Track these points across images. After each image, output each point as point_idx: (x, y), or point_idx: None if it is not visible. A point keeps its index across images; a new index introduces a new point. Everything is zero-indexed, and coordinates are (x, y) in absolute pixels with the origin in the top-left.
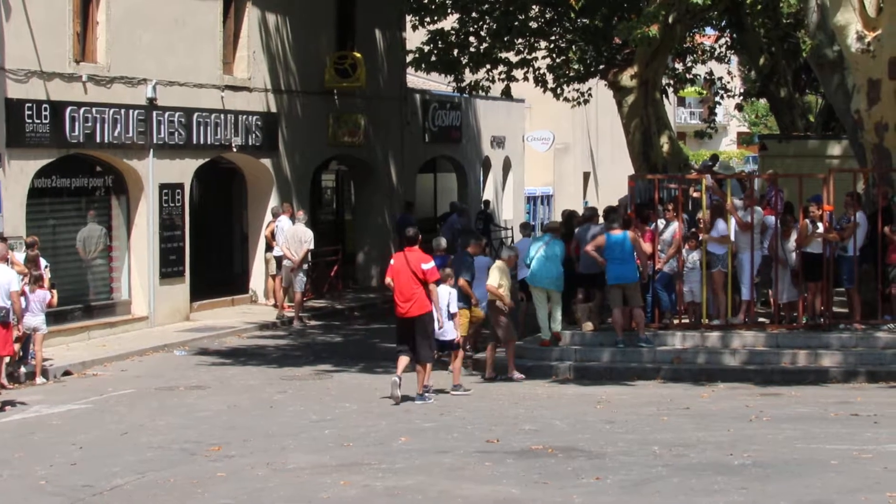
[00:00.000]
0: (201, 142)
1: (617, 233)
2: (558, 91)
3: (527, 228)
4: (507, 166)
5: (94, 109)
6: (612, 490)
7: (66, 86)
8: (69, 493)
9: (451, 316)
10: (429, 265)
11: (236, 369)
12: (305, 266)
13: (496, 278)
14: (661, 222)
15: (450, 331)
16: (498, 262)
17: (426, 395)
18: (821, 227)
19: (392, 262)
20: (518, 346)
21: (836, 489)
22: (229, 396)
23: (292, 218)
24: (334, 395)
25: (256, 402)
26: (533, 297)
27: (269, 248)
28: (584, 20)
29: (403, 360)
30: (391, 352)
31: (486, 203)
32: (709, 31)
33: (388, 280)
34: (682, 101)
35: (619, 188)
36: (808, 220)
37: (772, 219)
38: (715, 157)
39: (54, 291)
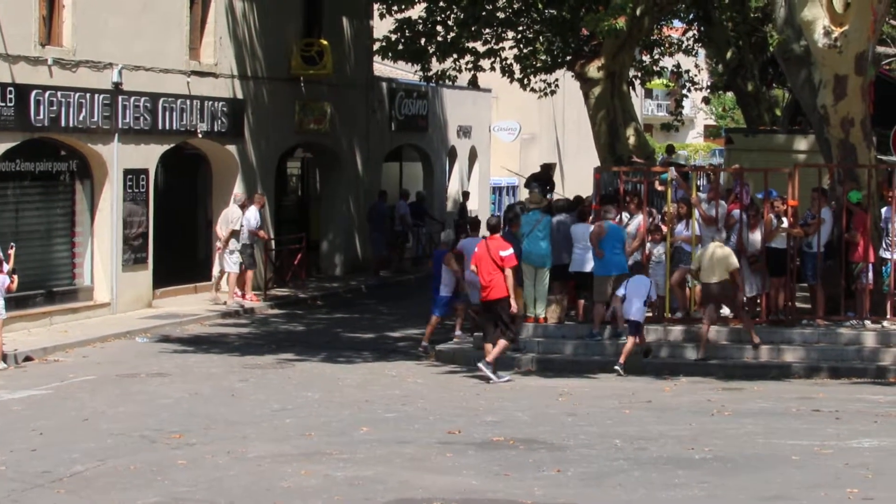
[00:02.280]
0: (167, 127)
1: (618, 222)
2: (525, 82)
3: (521, 205)
4: (473, 156)
5: (59, 93)
6: (573, 483)
7: (32, 69)
8: (29, 478)
9: (646, 303)
10: (507, 252)
11: (198, 357)
12: (234, 246)
13: (734, 263)
14: (625, 215)
15: (635, 312)
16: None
17: (500, 372)
18: (785, 223)
19: (476, 249)
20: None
21: (796, 484)
22: (191, 384)
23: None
24: (296, 384)
25: (218, 391)
26: (522, 274)
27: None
28: (552, 11)
29: (488, 348)
30: (354, 341)
31: (466, 194)
32: (676, 23)
33: (472, 267)
34: (649, 94)
35: (585, 179)
36: (772, 216)
37: (737, 212)
38: (671, 148)
39: (15, 276)
